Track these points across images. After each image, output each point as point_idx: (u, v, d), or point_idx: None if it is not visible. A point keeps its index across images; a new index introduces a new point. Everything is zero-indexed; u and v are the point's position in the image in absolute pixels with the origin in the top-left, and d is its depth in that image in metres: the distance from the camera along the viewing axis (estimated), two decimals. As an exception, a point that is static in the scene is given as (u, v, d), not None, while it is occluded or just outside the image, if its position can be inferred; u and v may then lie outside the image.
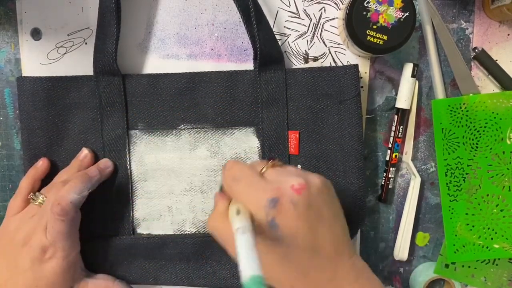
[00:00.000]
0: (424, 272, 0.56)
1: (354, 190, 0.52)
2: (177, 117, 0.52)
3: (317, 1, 0.53)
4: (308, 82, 0.51)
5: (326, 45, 0.54)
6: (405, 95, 0.53)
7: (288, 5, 0.53)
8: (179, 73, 0.51)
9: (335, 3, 0.53)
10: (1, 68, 0.54)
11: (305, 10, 0.53)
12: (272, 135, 0.52)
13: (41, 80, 0.51)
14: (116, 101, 0.51)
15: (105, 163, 0.51)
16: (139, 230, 0.53)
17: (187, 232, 0.53)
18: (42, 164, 0.51)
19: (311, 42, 0.54)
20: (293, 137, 0.52)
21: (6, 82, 0.54)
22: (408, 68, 0.53)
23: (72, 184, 0.47)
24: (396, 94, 0.54)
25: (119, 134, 0.52)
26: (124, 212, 0.53)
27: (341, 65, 0.53)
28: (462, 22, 0.54)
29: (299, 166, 0.52)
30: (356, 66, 0.51)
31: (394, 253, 0.56)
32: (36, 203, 0.48)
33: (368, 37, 0.48)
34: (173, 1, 0.53)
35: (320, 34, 0.53)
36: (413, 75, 0.53)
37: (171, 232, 0.53)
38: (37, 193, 0.49)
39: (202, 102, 0.51)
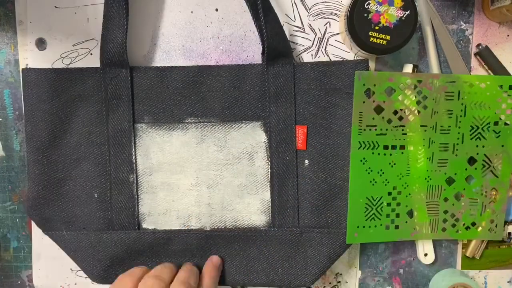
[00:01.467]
0: (446, 277, 0.56)
1: None
2: (184, 111, 0.51)
3: (322, 16, 0.53)
4: (317, 76, 0.51)
5: (330, 59, 0.54)
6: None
7: (294, 19, 0.53)
8: (187, 66, 0.51)
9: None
10: (0, 69, 0.54)
11: (310, 24, 0.53)
12: (279, 130, 0.51)
13: (46, 71, 0.50)
14: (122, 93, 0.51)
15: (216, 260, 0.52)
16: (144, 225, 0.53)
17: (193, 228, 0.53)
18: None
19: (315, 56, 0.54)
20: (300, 132, 0.51)
21: (6, 83, 0.54)
22: (408, 69, 0.53)
23: (210, 276, 0.48)
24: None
25: (124, 128, 0.51)
26: (129, 206, 0.52)
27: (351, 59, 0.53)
28: (462, 23, 0.54)
29: (306, 161, 0.52)
30: (366, 60, 0.50)
31: (420, 257, 0.57)
32: None
33: (371, 38, 0.48)
34: (179, 14, 0.53)
35: (325, 49, 0.53)
36: (413, 76, 0.53)
37: (176, 227, 0.53)
38: None
39: (209, 96, 0.51)
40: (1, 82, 0.54)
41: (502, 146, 0.52)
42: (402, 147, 0.51)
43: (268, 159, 0.52)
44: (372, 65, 0.54)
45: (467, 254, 0.57)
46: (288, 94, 0.51)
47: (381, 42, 0.48)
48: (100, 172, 0.51)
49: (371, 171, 0.51)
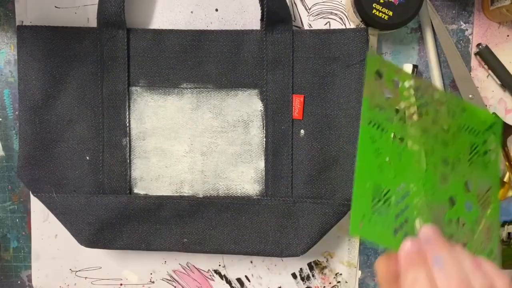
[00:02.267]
0: None
1: None
2: (180, 76, 0.51)
3: (322, 16, 0.53)
4: (315, 44, 0.50)
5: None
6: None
7: (294, 19, 0.53)
8: (185, 30, 0.50)
9: (340, 18, 0.53)
10: (0, 69, 0.54)
11: (310, 24, 0.53)
12: (276, 98, 0.51)
13: (42, 29, 0.49)
14: (118, 55, 0.50)
15: None
16: (136, 190, 0.52)
17: (185, 194, 0.52)
18: None
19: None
20: (297, 101, 0.51)
21: (6, 83, 0.54)
22: (408, 69, 0.53)
23: None
24: (396, 95, 0.55)
25: (119, 90, 0.51)
26: (121, 170, 0.51)
27: (350, 27, 0.52)
28: (462, 23, 0.54)
29: (302, 131, 0.51)
30: (365, 29, 0.50)
31: None
32: None
33: (374, 11, 0.48)
34: (179, 14, 0.53)
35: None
36: (412, 76, 0.53)
37: (168, 193, 0.52)
38: None
39: (206, 61, 0.51)
40: (1, 82, 0.54)
41: (489, 178, 0.47)
42: (409, 142, 0.45)
43: (263, 128, 0.52)
44: (374, 44, 0.53)
45: (467, 254, 0.57)
46: (286, 62, 0.50)
47: (382, 16, 0.48)
48: (93, 135, 0.51)
49: (380, 154, 0.44)
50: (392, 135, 0.45)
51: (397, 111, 0.45)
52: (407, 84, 0.46)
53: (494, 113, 0.55)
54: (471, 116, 0.47)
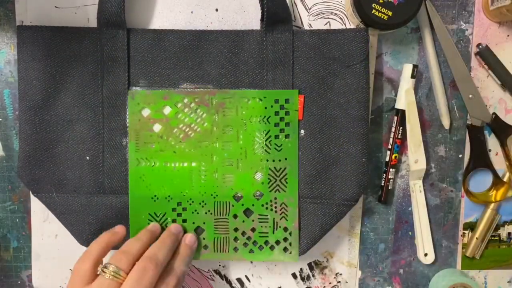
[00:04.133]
0: (446, 277, 0.56)
1: (358, 155, 0.51)
2: (180, 76, 0.51)
3: (322, 16, 0.53)
4: (315, 44, 0.50)
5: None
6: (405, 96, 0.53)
7: (294, 19, 0.53)
8: (185, 30, 0.50)
9: (340, 18, 0.53)
10: (0, 69, 0.54)
11: (310, 24, 0.53)
12: None
13: (42, 29, 0.49)
14: (118, 55, 0.50)
15: (190, 239, 0.50)
16: None
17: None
18: (119, 232, 0.49)
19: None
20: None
21: (6, 83, 0.54)
22: (408, 69, 0.53)
23: (181, 256, 0.47)
24: (396, 95, 0.54)
25: (119, 91, 0.51)
26: (121, 170, 0.51)
27: (350, 27, 0.52)
28: (462, 23, 0.54)
29: (302, 131, 0.51)
30: (365, 29, 0.50)
31: (420, 257, 0.56)
32: (108, 276, 0.42)
33: (374, 11, 0.48)
34: (179, 14, 0.53)
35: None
36: (412, 76, 0.53)
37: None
38: (106, 264, 0.44)
39: (206, 61, 0.51)
40: (1, 82, 0.54)
41: (286, 159, 0.51)
42: (184, 163, 0.51)
43: None
44: (374, 44, 0.53)
45: (467, 254, 0.57)
46: (286, 62, 0.50)
47: (382, 16, 0.48)
48: (93, 135, 0.51)
49: (152, 187, 0.51)
50: (163, 163, 0.51)
51: (168, 136, 0.51)
52: (179, 103, 0.50)
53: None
54: (259, 104, 0.50)
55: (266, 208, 0.51)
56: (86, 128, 0.51)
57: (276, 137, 0.51)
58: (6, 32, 0.53)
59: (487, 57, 0.54)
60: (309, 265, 0.57)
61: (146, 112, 0.50)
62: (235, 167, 0.51)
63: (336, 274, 0.57)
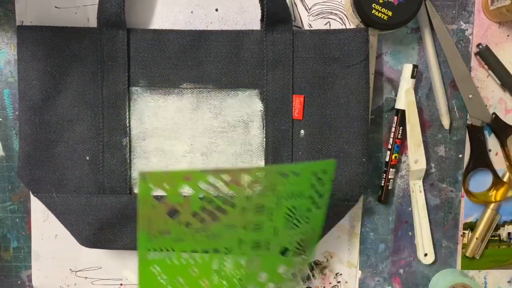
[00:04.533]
0: (446, 277, 0.56)
1: (358, 156, 0.51)
2: (180, 76, 0.51)
3: (322, 16, 0.53)
4: (315, 44, 0.50)
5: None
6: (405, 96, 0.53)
7: (294, 19, 0.53)
8: (185, 30, 0.50)
9: (340, 18, 0.53)
10: (0, 69, 0.54)
11: (310, 24, 0.53)
12: (276, 99, 0.51)
13: (42, 29, 0.49)
14: (118, 55, 0.50)
15: None
16: (136, 190, 0.52)
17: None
18: None
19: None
20: (297, 101, 0.51)
21: (6, 83, 0.54)
22: (408, 69, 0.53)
23: None
24: (396, 95, 0.54)
25: (119, 90, 0.51)
26: (121, 170, 0.51)
27: (350, 27, 0.52)
28: (462, 23, 0.54)
29: (302, 131, 0.51)
30: (365, 29, 0.50)
31: (419, 257, 0.57)
32: None
33: (373, 11, 0.48)
34: (179, 14, 0.53)
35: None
36: (412, 76, 0.53)
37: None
38: None
39: (206, 61, 0.51)
40: (1, 82, 0.54)
41: (312, 229, 0.46)
42: (206, 251, 0.42)
43: (263, 128, 0.52)
44: (374, 44, 0.53)
45: (467, 254, 0.57)
46: (286, 62, 0.50)
47: (382, 17, 0.48)
48: (93, 135, 0.51)
49: (167, 279, 0.41)
50: (181, 252, 0.41)
51: (189, 222, 0.41)
52: (205, 183, 0.40)
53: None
54: (295, 178, 0.43)
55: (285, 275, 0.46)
56: (86, 128, 0.51)
57: (309, 210, 0.45)
58: (6, 32, 0.53)
59: (487, 57, 0.54)
60: (309, 265, 0.57)
61: (161, 197, 0.42)
62: (264, 248, 0.44)
63: (336, 274, 0.57)
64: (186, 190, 0.40)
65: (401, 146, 0.55)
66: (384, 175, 0.55)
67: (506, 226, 0.57)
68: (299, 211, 0.44)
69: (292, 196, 0.44)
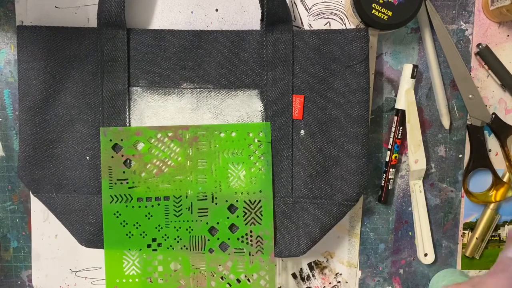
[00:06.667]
0: (446, 277, 0.56)
1: (358, 156, 0.51)
2: (180, 76, 0.51)
3: (322, 16, 0.53)
4: (315, 44, 0.50)
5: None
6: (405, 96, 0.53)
7: (294, 19, 0.53)
8: (185, 30, 0.50)
9: (340, 18, 0.53)
10: (0, 69, 0.54)
11: (310, 24, 0.53)
12: (276, 99, 0.51)
13: (42, 29, 0.49)
14: (118, 55, 0.50)
15: None
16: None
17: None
18: None
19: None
20: (297, 101, 0.51)
21: (6, 83, 0.54)
22: (408, 69, 0.53)
23: None
24: (396, 95, 0.55)
25: (119, 90, 0.51)
26: None
27: (350, 27, 0.52)
28: (462, 23, 0.54)
29: (302, 131, 0.51)
30: (366, 29, 0.50)
31: (420, 257, 0.57)
32: None
33: (373, 11, 0.48)
34: (179, 14, 0.53)
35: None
36: (412, 76, 0.53)
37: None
38: None
39: (206, 61, 0.51)
40: (1, 82, 0.54)
41: (260, 191, 0.51)
42: (158, 198, 0.51)
43: None
44: (374, 44, 0.53)
45: (467, 254, 0.57)
46: (286, 62, 0.51)
47: (382, 17, 0.48)
48: (93, 135, 0.51)
49: (126, 224, 0.51)
50: (137, 199, 0.51)
51: (142, 171, 0.50)
52: (153, 138, 0.50)
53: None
54: (231, 137, 0.51)
55: (242, 241, 0.51)
56: (86, 128, 0.51)
57: (250, 169, 0.51)
58: (6, 32, 0.53)
59: (487, 57, 0.54)
60: (309, 265, 0.57)
61: (118, 149, 0.50)
62: (210, 200, 0.51)
63: (336, 274, 0.57)
64: (140, 145, 0.51)
65: (401, 146, 0.55)
66: (384, 175, 0.55)
67: (506, 226, 0.57)
68: (241, 169, 0.51)
69: (230, 153, 0.51)
